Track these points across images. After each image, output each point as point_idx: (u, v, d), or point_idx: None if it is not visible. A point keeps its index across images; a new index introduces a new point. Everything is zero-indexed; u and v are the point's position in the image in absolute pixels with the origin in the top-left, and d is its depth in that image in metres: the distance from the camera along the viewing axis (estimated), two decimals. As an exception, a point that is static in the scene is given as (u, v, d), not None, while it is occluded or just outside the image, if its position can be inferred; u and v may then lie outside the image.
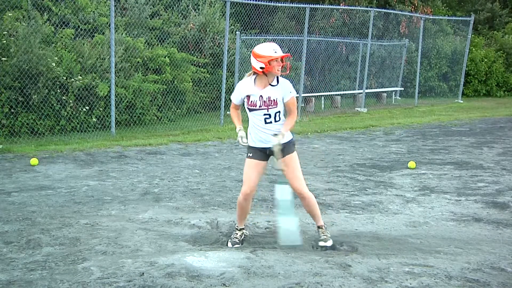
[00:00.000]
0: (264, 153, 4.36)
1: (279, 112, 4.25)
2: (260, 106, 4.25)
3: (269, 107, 4.23)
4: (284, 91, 4.26)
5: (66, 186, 6.49)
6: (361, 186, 6.81)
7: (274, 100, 4.23)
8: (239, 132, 4.38)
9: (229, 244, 4.44)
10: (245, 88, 4.32)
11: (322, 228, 4.49)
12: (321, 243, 4.41)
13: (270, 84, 4.25)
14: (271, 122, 4.27)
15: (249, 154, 4.38)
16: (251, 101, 4.28)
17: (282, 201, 4.37)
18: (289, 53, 4.36)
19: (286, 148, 4.29)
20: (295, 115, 4.34)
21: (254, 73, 4.28)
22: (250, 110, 4.31)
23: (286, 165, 4.30)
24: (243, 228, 4.57)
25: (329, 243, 4.41)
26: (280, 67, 4.20)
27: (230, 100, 4.62)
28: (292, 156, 4.32)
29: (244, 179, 4.38)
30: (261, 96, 4.24)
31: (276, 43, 4.36)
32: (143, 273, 3.72)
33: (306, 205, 4.45)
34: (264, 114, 4.25)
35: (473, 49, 20.73)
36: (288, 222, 4.35)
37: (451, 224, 5.24)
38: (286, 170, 4.32)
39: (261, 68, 4.16)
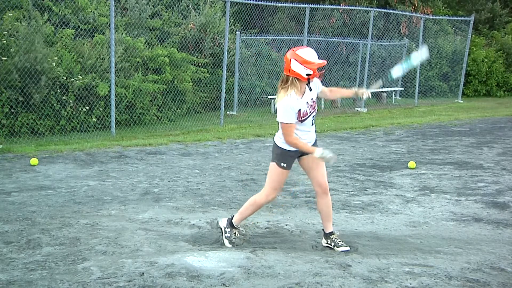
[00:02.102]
0: (295, 158, 4.31)
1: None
2: (310, 112, 4.17)
3: (315, 108, 4.22)
4: (315, 87, 4.25)
5: (66, 186, 6.50)
6: (361, 186, 6.81)
7: (315, 100, 4.23)
8: (323, 151, 4.09)
9: (228, 245, 4.44)
10: (295, 103, 4.06)
11: (334, 234, 4.45)
12: (342, 248, 4.36)
13: (306, 91, 4.16)
14: (313, 124, 4.26)
15: (283, 165, 4.24)
16: (303, 112, 4.11)
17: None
18: (325, 61, 4.21)
19: (316, 146, 4.31)
20: None
21: (287, 80, 4.05)
22: (303, 120, 4.14)
23: (316, 161, 4.26)
24: (238, 227, 4.58)
25: (348, 247, 4.38)
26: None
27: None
28: None
29: (274, 186, 4.30)
30: (307, 102, 4.14)
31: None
32: (143, 273, 3.72)
33: (326, 205, 4.38)
34: (313, 117, 4.23)
35: (475, 49, 20.72)
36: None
37: (451, 224, 5.24)
38: (316, 166, 4.29)
39: (307, 75, 4.01)
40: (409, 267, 3.97)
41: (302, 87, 4.11)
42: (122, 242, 4.47)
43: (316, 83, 4.25)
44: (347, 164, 8.19)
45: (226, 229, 4.54)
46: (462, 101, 18.97)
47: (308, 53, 4.03)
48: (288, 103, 4.03)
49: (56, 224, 4.93)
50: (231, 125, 12.11)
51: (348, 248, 4.35)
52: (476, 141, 10.61)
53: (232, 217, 4.57)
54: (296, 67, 4.00)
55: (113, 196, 6.09)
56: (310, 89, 4.17)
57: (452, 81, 20.04)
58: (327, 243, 4.45)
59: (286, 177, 4.35)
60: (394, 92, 18.70)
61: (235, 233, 4.53)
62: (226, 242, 4.49)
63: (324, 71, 4.46)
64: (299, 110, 4.06)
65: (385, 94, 18.11)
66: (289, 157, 4.25)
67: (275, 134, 4.36)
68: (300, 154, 4.28)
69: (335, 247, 4.38)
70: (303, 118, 4.11)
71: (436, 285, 3.65)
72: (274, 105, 13.45)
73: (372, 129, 12.27)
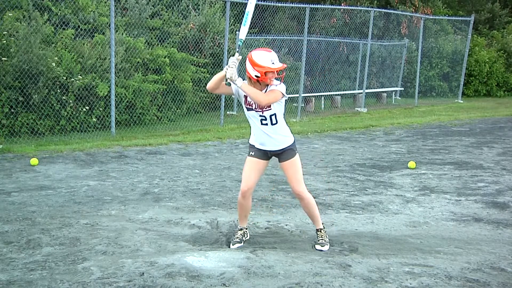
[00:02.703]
0: (265, 153, 4.37)
1: (275, 114, 4.22)
2: (255, 108, 4.23)
3: (263, 109, 4.21)
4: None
5: (66, 186, 6.50)
6: (361, 186, 6.81)
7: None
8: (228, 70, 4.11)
9: (230, 245, 4.43)
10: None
11: (320, 232, 4.50)
12: (318, 247, 4.41)
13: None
14: (267, 124, 4.26)
15: (250, 153, 4.40)
16: (248, 101, 4.26)
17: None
18: (285, 64, 4.27)
19: (286, 153, 4.32)
20: (264, 96, 4.11)
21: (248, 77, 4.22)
22: (248, 109, 4.30)
23: (286, 169, 4.35)
24: (245, 228, 4.56)
25: (326, 247, 4.39)
26: (275, 77, 4.16)
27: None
28: (293, 161, 4.33)
29: (243, 177, 4.39)
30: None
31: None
32: (143, 273, 3.73)
33: (305, 206, 4.46)
34: (260, 116, 4.25)
35: (477, 50, 20.72)
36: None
37: (451, 224, 5.24)
38: (287, 174, 4.37)
39: (256, 76, 4.13)
40: (409, 267, 3.97)
41: (257, 86, 4.17)
42: (122, 242, 4.47)
43: (273, 88, 4.18)
44: (347, 164, 8.19)
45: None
46: (462, 101, 18.97)
47: (260, 57, 4.10)
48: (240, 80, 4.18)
49: (56, 224, 4.93)
50: (231, 125, 12.11)
51: (324, 248, 4.37)
52: (476, 141, 10.61)
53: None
54: (248, 66, 4.16)
55: (113, 196, 6.09)
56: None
57: (452, 81, 20.04)
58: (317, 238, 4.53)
59: (255, 170, 4.37)
60: (394, 92, 18.70)
61: (238, 234, 4.54)
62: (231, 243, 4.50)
63: (284, 74, 4.36)
64: (245, 96, 4.23)
65: (385, 94, 18.11)
66: (254, 148, 4.39)
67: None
68: (270, 154, 4.37)
69: (316, 244, 4.44)
70: (247, 106, 4.27)
71: (436, 285, 3.65)
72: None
73: (372, 129, 12.26)
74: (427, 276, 3.79)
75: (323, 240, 4.45)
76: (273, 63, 4.11)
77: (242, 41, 4.27)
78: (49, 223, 4.94)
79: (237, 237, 4.49)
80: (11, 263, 3.97)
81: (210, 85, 4.27)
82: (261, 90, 4.19)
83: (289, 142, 4.34)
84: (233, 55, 4.17)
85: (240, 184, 4.41)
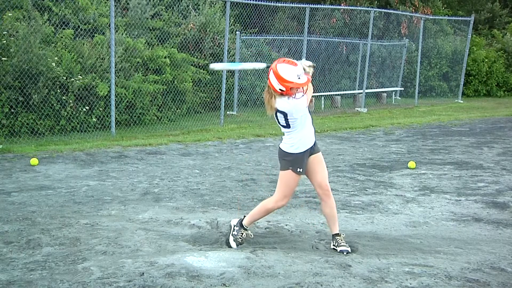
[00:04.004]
0: (306, 160, 4.30)
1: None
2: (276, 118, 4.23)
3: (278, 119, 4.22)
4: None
5: (66, 186, 6.50)
6: (361, 186, 6.81)
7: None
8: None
9: (233, 244, 4.42)
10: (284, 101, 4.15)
11: (340, 236, 4.42)
12: (342, 247, 4.33)
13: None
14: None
15: (299, 170, 4.24)
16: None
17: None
18: (310, 77, 4.13)
19: (317, 147, 4.33)
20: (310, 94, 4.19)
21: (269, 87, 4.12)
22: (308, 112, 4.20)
23: (319, 162, 4.31)
24: (248, 229, 4.56)
25: (349, 248, 4.35)
26: (301, 91, 4.08)
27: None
28: (321, 155, 4.35)
29: (286, 192, 4.29)
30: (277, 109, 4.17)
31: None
32: (143, 273, 3.73)
33: (330, 206, 4.37)
34: (309, 112, 4.26)
35: (475, 49, 20.72)
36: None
37: (451, 224, 5.24)
38: (317, 166, 4.31)
39: (280, 90, 4.02)
40: (409, 267, 3.97)
41: (272, 98, 4.11)
42: (122, 242, 4.47)
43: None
44: (347, 164, 8.19)
45: (235, 227, 4.51)
46: (462, 101, 18.97)
47: (287, 72, 3.97)
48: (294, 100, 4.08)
49: (56, 224, 4.93)
50: (231, 125, 12.11)
51: (347, 249, 4.32)
52: (476, 141, 10.61)
53: (244, 218, 4.53)
54: (272, 79, 4.04)
55: (113, 196, 6.09)
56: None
57: (452, 81, 20.04)
58: (333, 245, 4.41)
59: (298, 183, 4.34)
60: (394, 92, 18.70)
61: (242, 234, 4.48)
62: (231, 239, 4.45)
63: (306, 87, 4.29)
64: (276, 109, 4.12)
65: (385, 94, 18.11)
66: (303, 160, 4.24)
67: (279, 144, 4.33)
68: (309, 154, 4.28)
69: (337, 247, 4.36)
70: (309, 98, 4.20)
71: (436, 285, 3.65)
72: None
73: (372, 129, 12.26)
74: (427, 276, 3.79)
75: (343, 242, 4.38)
76: (299, 77, 3.99)
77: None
78: (49, 223, 4.94)
79: (240, 238, 4.44)
80: (11, 263, 3.97)
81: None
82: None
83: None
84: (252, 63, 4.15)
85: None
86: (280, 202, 4.33)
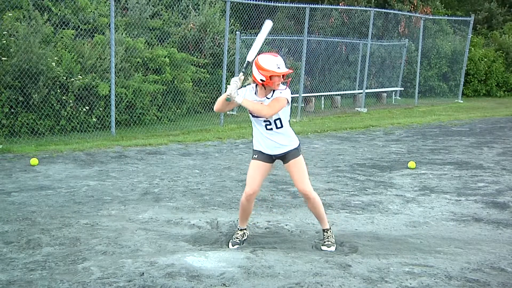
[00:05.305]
0: (269, 157, 4.37)
1: (279, 119, 4.23)
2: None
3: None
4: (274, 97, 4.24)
5: (66, 186, 6.50)
6: (361, 186, 6.81)
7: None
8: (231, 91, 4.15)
9: (230, 245, 4.44)
10: (249, 94, 4.31)
11: (327, 232, 4.49)
12: (324, 248, 4.40)
13: (266, 97, 4.23)
14: (272, 129, 4.27)
15: (254, 156, 4.39)
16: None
17: None
18: (291, 69, 4.27)
19: (290, 154, 4.32)
20: (268, 109, 4.13)
21: (254, 81, 4.24)
22: (253, 116, 4.29)
23: (291, 169, 4.35)
24: (244, 229, 4.57)
25: (332, 248, 4.39)
26: (280, 82, 4.16)
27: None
28: (297, 160, 4.34)
29: (247, 180, 4.38)
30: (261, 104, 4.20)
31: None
32: (143, 273, 3.73)
33: (311, 207, 4.44)
34: (264, 121, 4.26)
35: (472, 48, 20.72)
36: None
37: (451, 224, 5.24)
38: (292, 173, 4.36)
39: (261, 80, 4.13)
40: (409, 267, 3.97)
41: (262, 91, 4.22)
42: (122, 242, 4.47)
43: (278, 94, 4.19)
44: (347, 164, 8.19)
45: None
46: (462, 101, 18.98)
47: (266, 61, 4.10)
48: (246, 88, 4.33)
49: (56, 224, 4.93)
50: (231, 125, 12.11)
51: (331, 249, 4.37)
52: (476, 141, 10.61)
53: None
54: (254, 70, 4.17)
55: (113, 196, 6.09)
56: (268, 99, 4.20)
57: (452, 81, 20.04)
58: (320, 239, 4.51)
59: (260, 173, 4.35)
60: (394, 92, 18.70)
61: (238, 234, 4.53)
62: (230, 242, 4.49)
63: (290, 79, 4.34)
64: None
65: (385, 94, 18.12)
66: (258, 151, 4.37)
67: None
68: (274, 157, 4.36)
69: (322, 244, 4.43)
70: (254, 114, 4.22)
71: (436, 285, 3.65)
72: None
73: (372, 129, 12.26)
74: (427, 276, 3.79)
75: (330, 241, 4.44)
76: (278, 67, 4.09)
77: (249, 64, 4.23)
78: (49, 223, 4.94)
79: (237, 238, 4.49)
80: (11, 263, 3.97)
81: (216, 107, 4.32)
82: (266, 96, 4.21)
83: (294, 145, 4.34)
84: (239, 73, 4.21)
85: (243, 185, 4.40)
86: (245, 190, 4.38)
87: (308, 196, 4.38)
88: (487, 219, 5.42)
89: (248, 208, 4.44)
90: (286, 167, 4.41)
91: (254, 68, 4.16)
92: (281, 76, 4.14)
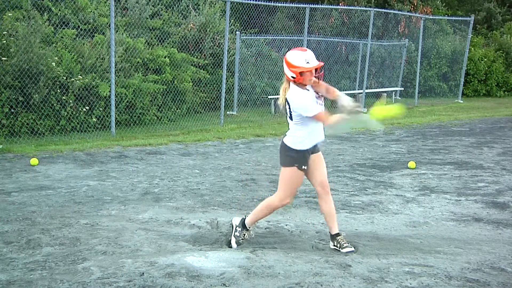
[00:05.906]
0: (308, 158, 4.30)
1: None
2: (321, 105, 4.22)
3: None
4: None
5: (66, 186, 6.50)
6: (361, 186, 6.81)
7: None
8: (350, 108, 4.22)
9: (234, 245, 4.41)
10: (309, 94, 4.20)
11: (340, 235, 4.38)
12: (345, 250, 4.28)
13: (317, 95, 4.23)
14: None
15: (304, 167, 4.22)
16: (320, 103, 4.23)
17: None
18: (321, 62, 4.17)
19: (318, 147, 4.32)
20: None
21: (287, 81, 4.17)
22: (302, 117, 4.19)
23: (320, 160, 4.32)
24: (250, 229, 4.54)
25: (352, 248, 4.32)
26: (312, 77, 4.09)
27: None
28: (321, 154, 4.35)
29: (290, 190, 4.27)
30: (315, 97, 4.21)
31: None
32: (143, 273, 3.73)
33: (329, 205, 4.33)
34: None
35: (472, 48, 20.72)
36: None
37: (451, 224, 5.24)
38: (318, 165, 4.31)
39: (292, 77, 4.07)
40: (409, 267, 3.97)
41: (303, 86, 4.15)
42: (122, 242, 4.47)
43: (317, 88, 4.21)
44: (347, 164, 8.19)
45: (237, 228, 4.50)
46: (462, 101, 18.97)
47: (294, 57, 4.05)
48: (304, 96, 4.10)
49: (56, 224, 4.93)
50: (231, 125, 12.11)
51: (352, 249, 4.31)
52: (476, 141, 10.61)
53: (245, 218, 4.52)
54: (284, 67, 4.11)
55: (113, 196, 6.09)
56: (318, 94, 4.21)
57: (452, 81, 20.03)
58: (334, 245, 4.38)
59: (302, 180, 4.32)
60: (394, 92, 18.69)
61: (244, 235, 4.47)
62: (233, 240, 4.45)
63: (322, 72, 4.33)
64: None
65: (385, 94, 18.10)
66: (307, 157, 4.23)
67: (283, 138, 4.31)
68: (311, 152, 4.27)
69: (340, 248, 4.33)
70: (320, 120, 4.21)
71: (436, 285, 3.65)
72: (275, 105, 13.35)
73: (372, 129, 12.25)
74: (427, 276, 3.79)
75: (345, 242, 4.34)
76: (307, 62, 4.02)
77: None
78: (49, 223, 4.94)
79: (242, 238, 4.43)
80: (11, 263, 3.97)
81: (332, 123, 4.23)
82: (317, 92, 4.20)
83: (322, 138, 4.36)
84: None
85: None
86: (285, 201, 4.31)
87: (329, 192, 4.34)
88: (487, 219, 5.43)
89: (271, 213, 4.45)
90: (315, 157, 4.29)
91: (285, 66, 4.09)
92: (313, 71, 4.07)
